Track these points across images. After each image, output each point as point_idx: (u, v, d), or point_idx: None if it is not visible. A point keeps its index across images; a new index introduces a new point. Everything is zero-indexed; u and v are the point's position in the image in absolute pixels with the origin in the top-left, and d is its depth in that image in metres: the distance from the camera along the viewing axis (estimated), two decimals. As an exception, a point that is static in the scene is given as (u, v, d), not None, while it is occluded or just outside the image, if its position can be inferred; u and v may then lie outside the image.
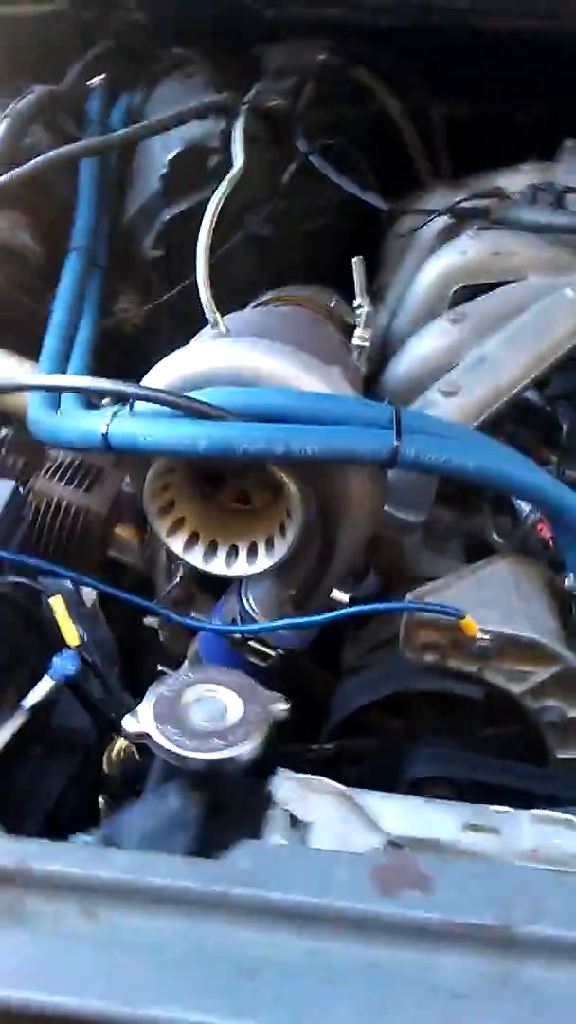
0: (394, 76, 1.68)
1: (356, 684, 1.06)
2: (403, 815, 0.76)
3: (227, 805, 0.73)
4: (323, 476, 0.96)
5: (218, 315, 1.06)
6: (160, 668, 1.17)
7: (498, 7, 1.54)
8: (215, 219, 1.15)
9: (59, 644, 0.92)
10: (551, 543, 1.10)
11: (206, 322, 1.62)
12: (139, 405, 0.97)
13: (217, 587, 1.24)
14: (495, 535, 1.26)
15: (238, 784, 0.73)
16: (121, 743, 1.17)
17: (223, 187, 1.18)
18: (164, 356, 1.61)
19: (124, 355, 1.42)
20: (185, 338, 1.59)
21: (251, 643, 1.08)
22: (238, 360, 0.96)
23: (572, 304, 1.20)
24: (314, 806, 0.77)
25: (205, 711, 0.72)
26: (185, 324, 1.62)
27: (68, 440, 0.99)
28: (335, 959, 0.59)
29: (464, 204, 1.43)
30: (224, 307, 1.65)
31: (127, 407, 0.97)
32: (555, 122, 1.69)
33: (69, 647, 0.89)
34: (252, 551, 1.02)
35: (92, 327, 1.37)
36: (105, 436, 0.95)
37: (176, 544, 1.02)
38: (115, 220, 1.60)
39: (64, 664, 0.87)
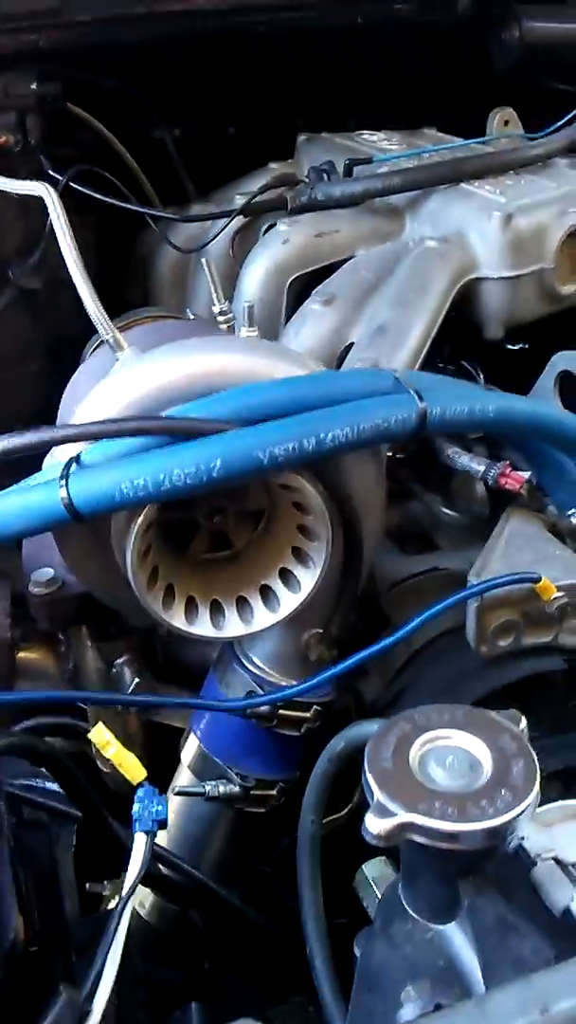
0: (116, 101, 1.54)
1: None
2: None
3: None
4: (336, 474, 0.79)
5: (120, 336, 0.84)
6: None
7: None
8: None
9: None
10: (521, 490, 1.01)
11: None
12: (85, 456, 0.73)
13: (183, 675, 1.02)
14: (444, 509, 1.16)
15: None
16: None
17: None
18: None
19: None
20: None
21: (282, 711, 0.87)
22: (200, 366, 0.76)
23: (439, 254, 1.13)
24: (562, 838, 0.60)
25: (449, 769, 0.52)
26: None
27: (10, 529, 0.72)
28: None
29: (258, 199, 1.32)
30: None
31: (69, 464, 0.73)
32: (264, 131, 1.65)
33: (140, 784, 0.64)
34: (267, 597, 0.82)
35: None
36: (69, 502, 0.70)
37: (176, 618, 0.79)
38: None
39: (149, 809, 0.61)
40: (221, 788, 0.89)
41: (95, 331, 1.27)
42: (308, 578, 0.80)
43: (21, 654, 1.00)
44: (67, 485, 0.71)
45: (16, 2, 1.40)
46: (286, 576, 0.82)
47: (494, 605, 0.83)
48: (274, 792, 0.91)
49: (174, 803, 0.93)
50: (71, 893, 0.84)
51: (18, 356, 1.42)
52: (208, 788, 0.88)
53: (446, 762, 0.53)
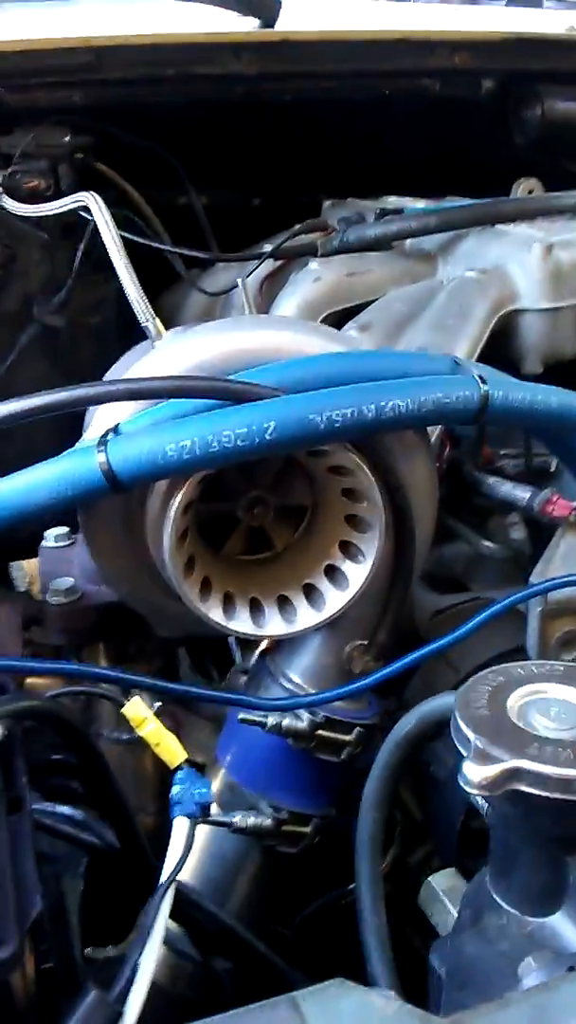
0: (143, 165, 1.56)
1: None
2: None
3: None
4: (389, 460, 0.73)
5: (159, 323, 0.81)
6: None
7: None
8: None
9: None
10: (569, 518, 0.96)
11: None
12: (125, 426, 0.68)
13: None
14: (484, 543, 1.10)
15: None
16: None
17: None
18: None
19: None
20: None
21: (322, 732, 0.79)
22: (245, 342, 0.72)
23: (479, 284, 1.11)
24: None
25: (556, 718, 0.45)
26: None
27: (39, 503, 0.66)
28: None
29: (288, 244, 1.32)
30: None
31: (107, 433, 0.68)
32: (287, 203, 1.67)
33: (180, 767, 0.56)
34: (311, 596, 0.76)
35: None
36: (108, 468, 0.65)
37: (214, 612, 0.72)
38: None
39: (190, 792, 0.53)
40: (251, 820, 0.79)
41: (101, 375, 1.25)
42: (358, 574, 0.74)
43: (30, 678, 0.92)
44: (106, 450, 0.65)
45: (52, 56, 1.43)
46: (332, 573, 0.75)
47: (558, 612, 0.76)
48: (308, 829, 0.82)
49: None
50: (77, 936, 0.74)
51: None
52: (236, 819, 0.79)
53: (551, 712, 0.45)
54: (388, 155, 1.62)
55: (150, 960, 0.46)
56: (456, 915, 0.56)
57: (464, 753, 0.43)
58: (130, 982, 0.45)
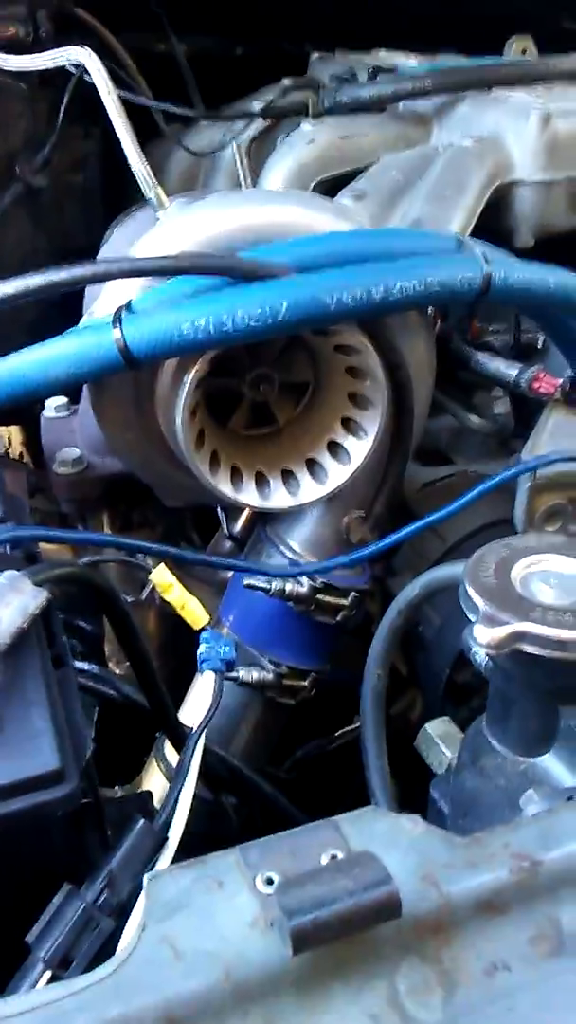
0: (121, 8, 1.48)
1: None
2: None
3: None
4: (390, 338, 0.76)
5: (162, 193, 0.81)
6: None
7: None
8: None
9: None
10: (555, 395, 0.99)
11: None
12: (137, 303, 0.69)
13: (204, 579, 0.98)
14: (472, 417, 1.13)
15: None
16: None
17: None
18: None
19: None
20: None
21: (320, 597, 0.84)
22: (254, 216, 0.73)
23: (475, 154, 1.10)
24: None
25: (556, 587, 0.50)
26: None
27: (57, 378, 0.68)
28: None
29: (278, 104, 1.28)
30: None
31: (120, 310, 0.69)
32: (271, 53, 1.60)
33: (204, 628, 0.61)
34: (314, 470, 0.79)
35: None
36: (124, 346, 0.66)
37: (222, 484, 0.76)
38: None
39: (216, 650, 0.58)
40: (254, 674, 0.86)
41: (92, 238, 1.23)
42: (359, 449, 0.77)
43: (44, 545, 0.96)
44: (121, 327, 0.67)
45: None
46: (334, 448, 0.79)
47: (546, 486, 0.81)
48: (306, 683, 0.89)
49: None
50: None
51: (18, 262, 1.37)
52: (241, 673, 0.85)
53: (550, 581, 0.50)
54: (378, 4, 1.55)
55: (188, 794, 0.52)
56: (449, 756, 0.62)
57: (472, 618, 0.48)
58: (172, 813, 0.51)
